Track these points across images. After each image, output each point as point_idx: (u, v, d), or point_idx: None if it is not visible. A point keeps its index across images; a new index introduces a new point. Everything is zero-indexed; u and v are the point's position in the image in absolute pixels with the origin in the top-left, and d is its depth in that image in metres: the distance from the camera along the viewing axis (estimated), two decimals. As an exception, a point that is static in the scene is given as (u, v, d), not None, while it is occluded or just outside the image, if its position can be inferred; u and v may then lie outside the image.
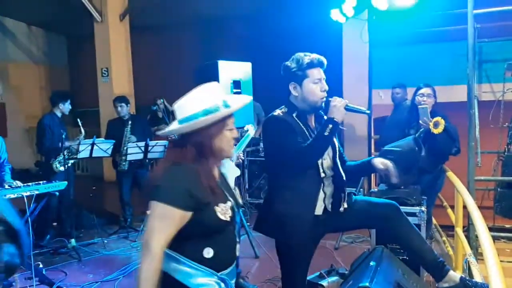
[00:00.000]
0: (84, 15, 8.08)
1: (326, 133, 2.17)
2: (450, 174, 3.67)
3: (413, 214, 3.23)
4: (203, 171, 1.62)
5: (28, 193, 3.74)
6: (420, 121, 3.72)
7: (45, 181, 4.02)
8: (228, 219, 1.65)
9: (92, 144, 4.86)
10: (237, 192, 1.83)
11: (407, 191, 3.38)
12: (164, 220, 1.53)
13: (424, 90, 3.93)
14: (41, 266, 3.82)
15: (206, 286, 1.62)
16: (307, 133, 2.30)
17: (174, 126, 1.67)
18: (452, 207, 3.67)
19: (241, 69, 5.35)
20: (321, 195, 2.32)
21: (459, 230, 3.28)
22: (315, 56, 2.30)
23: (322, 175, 2.29)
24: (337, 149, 2.41)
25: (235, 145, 1.78)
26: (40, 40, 10.59)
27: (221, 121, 1.66)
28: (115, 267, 4.16)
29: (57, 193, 4.07)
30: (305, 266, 2.44)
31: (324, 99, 2.29)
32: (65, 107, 5.06)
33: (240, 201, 1.82)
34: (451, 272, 2.40)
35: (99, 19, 8.09)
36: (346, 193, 2.41)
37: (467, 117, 3.71)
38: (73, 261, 4.43)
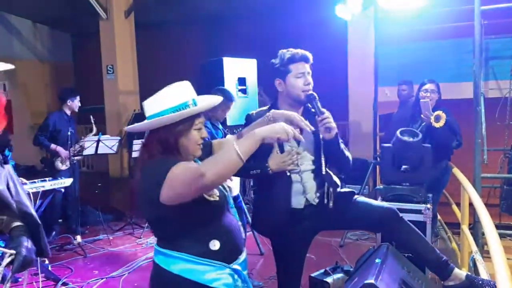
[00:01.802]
0: (89, 12, 8.10)
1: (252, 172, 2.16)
2: (456, 171, 3.66)
3: (418, 211, 3.22)
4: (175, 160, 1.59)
5: (34, 190, 3.75)
6: (422, 115, 3.75)
7: (50, 178, 4.04)
8: (217, 198, 1.63)
9: (98, 141, 4.88)
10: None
11: (412, 188, 3.36)
12: (183, 168, 1.49)
13: (428, 86, 3.96)
14: (46, 262, 3.83)
15: (219, 280, 1.59)
16: None
17: (142, 122, 1.66)
18: (458, 204, 3.66)
19: (246, 66, 5.35)
20: (298, 188, 2.31)
21: (465, 228, 3.27)
22: (297, 51, 2.33)
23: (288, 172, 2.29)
24: (322, 141, 2.36)
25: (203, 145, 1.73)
26: (45, 38, 10.62)
27: (189, 120, 1.63)
28: (120, 264, 4.18)
29: (62, 190, 4.08)
30: (297, 262, 2.44)
31: (309, 92, 2.30)
32: (74, 103, 5.06)
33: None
34: (456, 270, 2.39)
35: (104, 16, 8.10)
36: (330, 188, 2.36)
37: (473, 114, 3.70)
38: (78, 258, 4.46)
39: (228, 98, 3.59)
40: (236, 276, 1.65)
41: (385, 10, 5.20)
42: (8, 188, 1.93)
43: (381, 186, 3.66)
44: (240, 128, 2.81)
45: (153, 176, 1.53)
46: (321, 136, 2.27)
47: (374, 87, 5.53)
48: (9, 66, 2.02)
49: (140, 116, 5.69)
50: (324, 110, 2.26)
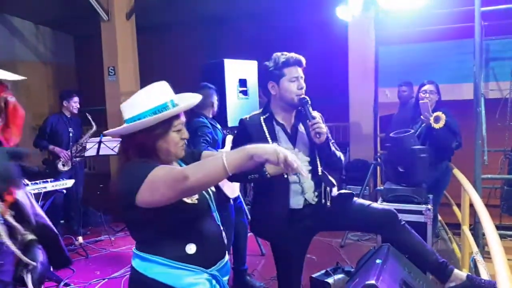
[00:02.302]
0: (91, 14, 8.11)
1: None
2: (456, 172, 3.67)
3: (419, 212, 3.22)
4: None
5: (35, 191, 3.77)
6: (422, 117, 3.77)
7: (52, 179, 4.05)
8: (196, 201, 1.59)
9: (99, 142, 4.89)
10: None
11: (413, 189, 3.37)
12: (163, 170, 1.46)
13: (427, 87, 3.99)
14: (48, 263, 3.85)
15: (196, 286, 1.56)
16: (268, 136, 2.33)
17: (119, 127, 1.61)
18: (459, 205, 3.67)
19: (247, 68, 5.36)
20: (296, 188, 2.34)
21: (465, 228, 3.27)
22: (292, 55, 2.35)
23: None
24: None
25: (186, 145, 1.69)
26: (47, 39, 10.65)
27: (167, 122, 1.59)
28: (122, 265, 4.19)
29: (64, 191, 4.10)
30: (297, 262, 2.46)
31: (301, 96, 2.33)
32: (70, 104, 5.08)
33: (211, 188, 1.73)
34: (456, 271, 2.40)
35: (106, 18, 8.11)
36: (327, 188, 2.40)
37: (473, 115, 3.71)
38: (80, 258, 4.48)
39: (214, 92, 3.63)
40: (214, 282, 1.61)
41: (385, 11, 5.21)
42: None
43: (382, 187, 3.68)
44: (235, 131, 2.83)
45: (130, 178, 1.50)
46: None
47: (374, 88, 5.54)
48: (19, 77, 1.99)
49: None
50: (315, 114, 2.31)
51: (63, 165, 4.95)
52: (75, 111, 5.20)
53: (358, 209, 2.43)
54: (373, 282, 2.21)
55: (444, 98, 4.08)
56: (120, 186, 1.54)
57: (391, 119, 5.02)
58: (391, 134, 3.52)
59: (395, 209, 3.22)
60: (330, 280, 3.11)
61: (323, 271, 3.22)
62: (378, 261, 2.53)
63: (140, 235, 1.62)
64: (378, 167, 5.25)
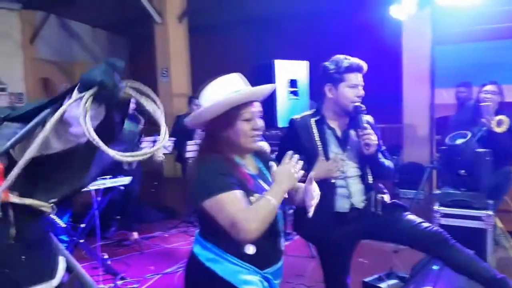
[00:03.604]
0: (145, 17, 8.38)
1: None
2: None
3: (478, 218, 3.11)
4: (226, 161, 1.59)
5: (95, 187, 3.93)
6: (483, 120, 3.60)
7: (110, 176, 4.21)
8: None
9: (154, 142, 5.05)
10: None
11: (471, 194, 3.25)
12: (231, 203, 1.49)
13: (489, 88, 3.81)
14: (106, 257, 4.01)
15: (250, 284, 1.57)
16: (317, 139, 2.30)
17: (189, 116, 1.69)
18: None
19: (297, 68, 5.35)
20: (343, 192, 2.30)
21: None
22: (355, 60, 2.30)
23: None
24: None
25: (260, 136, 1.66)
26: (103, 41, 11.12)
27: (233, 110, 1.56)
28: (175, 260, 4.28)
29: (122, 188, 4.26)
30: (343, 265, 2.42)
31: (357, 104, 2.28)
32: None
33: None
34: None
35: (159, 20, 8.36)
36: (377, 195, 2.34)
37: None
38: (135, 253, 4.62)
39: None
40: (266, 284, 1.62)
41: (442, 9, 5.05)
42: None
43: (438, 192, 3.57)
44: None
45: (203, 183, 1.55)
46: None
47: (430, 89, 5.37)
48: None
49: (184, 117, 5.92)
50: (366, 125, 2.26)
51: (128, 164, 5.14)
52: (131, 112, 5.38)
53: (406, 224, 2.33)
54: (430, 289, 2.16)
55: (506, 99, 3.90)
56: (193, 182, 1.58)
57: (448, 121, 4.85)
58: (447, 142, 3.39)
59: (452, 214, 3.14)
60: (383, 285, 3.05)
61: (375, 276, 3.17)
62: (435, 267, 2.48)
63: (206, 223, 1.64)
64: (433, 171, 5.09)
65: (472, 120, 3.89)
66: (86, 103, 1.03)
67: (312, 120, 2.36)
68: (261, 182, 1.68)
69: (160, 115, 1.16)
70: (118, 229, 5.21)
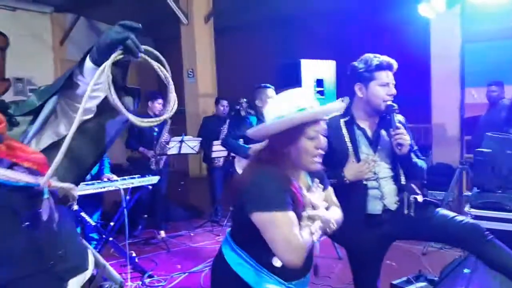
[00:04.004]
0: (171, 18, 8.48)
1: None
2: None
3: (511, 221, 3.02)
4: (284, 176, 1.56)
5: (124, 186, 4.01)
6: None
7: (139, 175, 4.29)
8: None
9: (181, 142, 5.13)
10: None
11: (505, 196, 3.16)
12: (285, 224, 1.47)
13: None
14: (134, 255, 4.08)
15: None
16: (348, 141, 2.26)
17: (254, 128, 1.67)
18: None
19: (324, 68, 5.33)
20: (375, 193, 2.26)
21: None
22: (385, 58, 2.26)
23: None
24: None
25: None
26: (130, 43, 11.31)
27: (299, 127, 1.53)
28: (201, 259, 4.33)
29: (150, 187, 4.32)
30: (374, 268, 2.39)
31: (389, 102, 2.24)
32: (154, 105, 5.33)
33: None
34: None
35: (185, 21, 8.44)
36: (410, 197, 2.29)
37: None
38: (162, 252, 4.69)
39: None
40: None
41: (473, 6, 4.92)
42: None
43: (469, 193, 3.48)
44: None
45: (257, 195, 1.50)
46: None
47: (460, 88, 5.25)
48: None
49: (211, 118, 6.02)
50: (399, 125, 2.21)
51: (154, 165, 5.23)
52: (158, 112, 5.45)
53: (440, 220, 2.27)
54: (462, 292, 2.11)
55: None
56: (247, 189, 1.54)
57: (478, 121, 4.74)
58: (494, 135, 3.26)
59: (484, 216, 3.05)
60: (412, 288, 3.01)
61: (404, 278, 3.13)
62: (466, 270, 2.42)
63: (242, 229, 1.63)
64: (463, 172, 4.97)
65: (508, 120, 3.78)
66: (107, 69, 1.13)
67: (342, 121, 2.32)
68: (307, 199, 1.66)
69: (170, 81, 1.26)
70: (145, 228, 5.30)
